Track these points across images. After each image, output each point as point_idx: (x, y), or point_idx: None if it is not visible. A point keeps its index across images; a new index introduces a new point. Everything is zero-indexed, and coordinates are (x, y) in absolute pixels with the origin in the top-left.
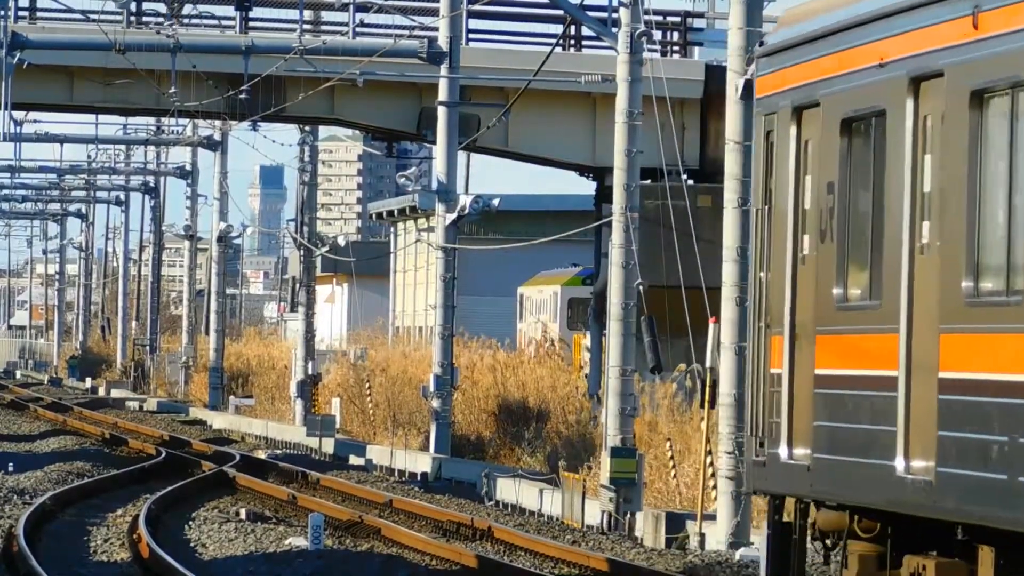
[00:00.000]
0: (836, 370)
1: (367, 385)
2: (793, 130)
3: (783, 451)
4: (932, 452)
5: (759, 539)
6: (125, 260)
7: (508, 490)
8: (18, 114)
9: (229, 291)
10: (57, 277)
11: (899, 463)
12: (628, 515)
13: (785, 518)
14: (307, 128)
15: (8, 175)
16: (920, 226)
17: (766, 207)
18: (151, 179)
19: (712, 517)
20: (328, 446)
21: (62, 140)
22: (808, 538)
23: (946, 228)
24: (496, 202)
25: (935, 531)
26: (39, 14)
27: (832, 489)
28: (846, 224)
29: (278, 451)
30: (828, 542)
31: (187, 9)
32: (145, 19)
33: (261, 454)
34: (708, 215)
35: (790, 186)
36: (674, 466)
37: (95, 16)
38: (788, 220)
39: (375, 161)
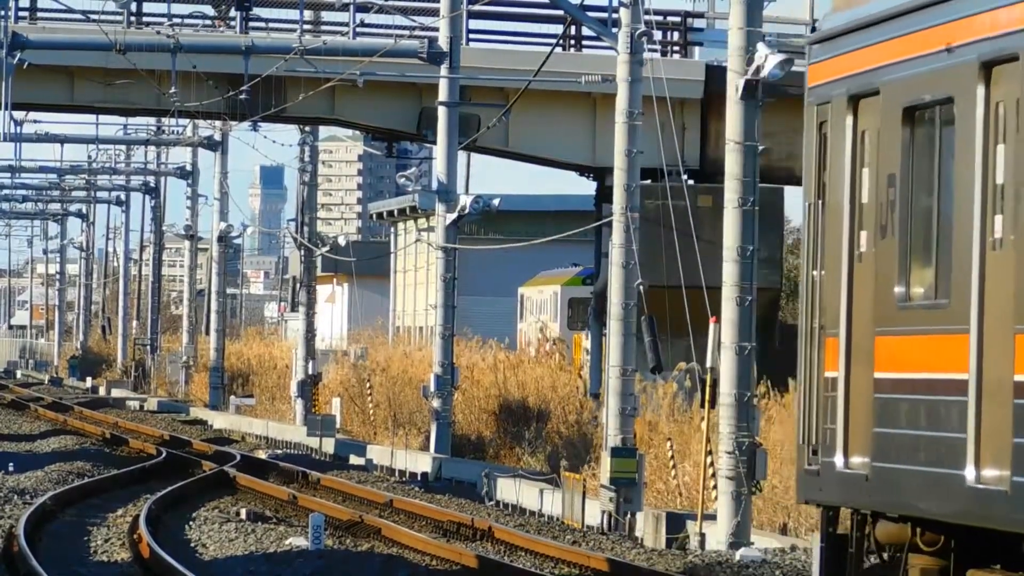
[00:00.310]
0: (898, 374)
1: (367, 385)
2: (849, 120)
3: (839, 460)
4: (1007, 460)
5: (759, 539)
6: (126, 260)
7: (508, 490)
8: (18, 114)
9: (229, 291)
10: (58, 277)
11: (969, 472)
12: (628, 515)
13: (839, 530)
14: (307, 128)
15: (8, 175)
16: (992, 220)
17: (819, 202)
18: (151, 179)
19: (712, 517)
20: (328, 446)
21: (62, 140)
22: (863, 551)
23: (1021, 222)
24: (496, 202)
25: (1002, 544)
26: (39, 14)
27: (894, 500)
28: (909, 219)
29: (278, 451)
30: (885, 555)
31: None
32: (145, 19)
33: (261, 454)
34: (708, 215)
35: (846, 179)
36: (674, 466)
37: (95, 16)
38: (844, 215)
39: (375, 161)
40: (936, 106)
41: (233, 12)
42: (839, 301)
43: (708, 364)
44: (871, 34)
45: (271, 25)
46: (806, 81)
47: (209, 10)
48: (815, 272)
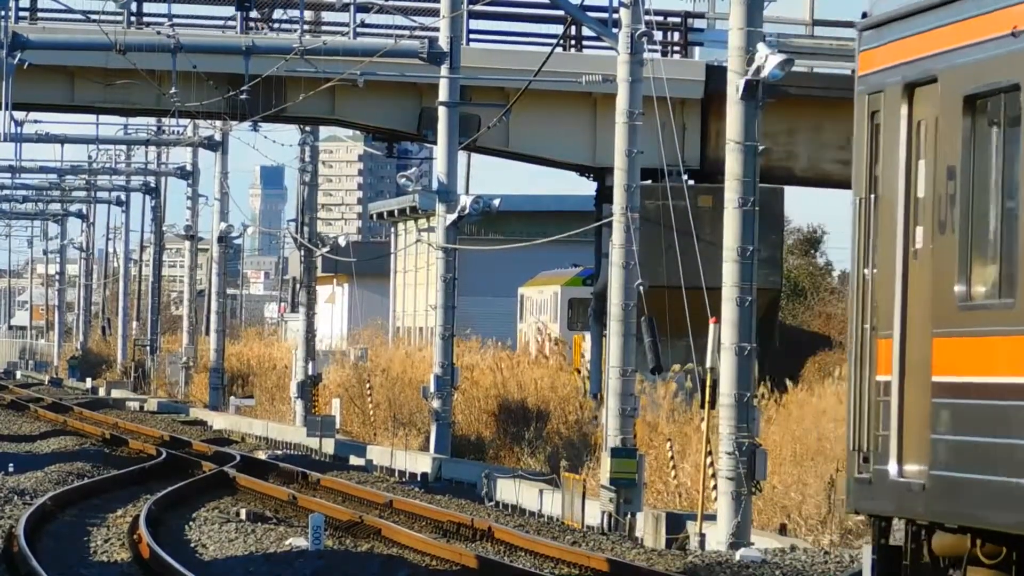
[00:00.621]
0: (958, 377)
1: (367, 385)
2: (904, 110)
3: (892, 467)
4: None
5: (759, 540)
6: (126, 260)
7: (508, 491)
8: (18, 114)
9: (229, 291)
10: (57, 277)
11: None
12: (628, 515)
13: (891, 541)
14: (307, 128)
15: (9, 175)
16: None
17: (871, 196)
18: (152, 179)
19: (712, 517)
20: (328, 446)
21: (63, 140)
22: (918, 563)
23: None
24: (496, 202)
25: None
26: (39, 14)
27: (953, 510)
28: (970, 213)
29: (278, 451)
30: (942, 568)
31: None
32: (145, 19)
33: (261, 454)
34: (708, 215)
35: (900, 172)
36: (674, 466)
37: (95, 16)
38: (898, 210)
39: (375, 161)
40: (1000, 94)
41: (239, 14)
42: (893, 301)
43: (708, 364)
44: (928, 19)
45: (269, 25)
46: (856, 69)
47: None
48: (866, 270)
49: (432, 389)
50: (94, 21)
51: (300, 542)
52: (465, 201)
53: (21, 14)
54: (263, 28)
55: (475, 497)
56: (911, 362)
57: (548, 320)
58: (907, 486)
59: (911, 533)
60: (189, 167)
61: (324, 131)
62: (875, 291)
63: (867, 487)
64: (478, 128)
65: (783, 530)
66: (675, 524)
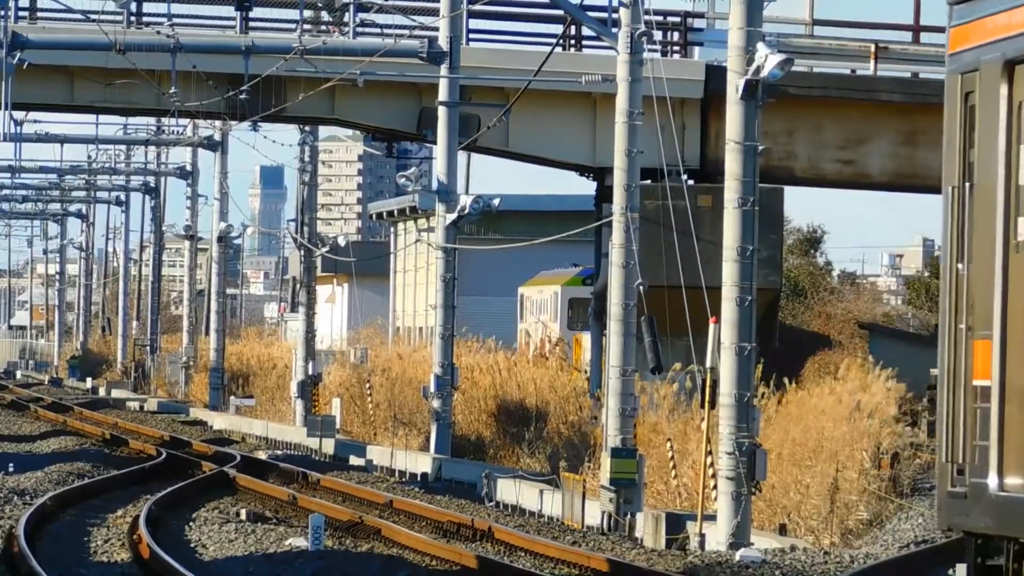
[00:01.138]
0: None
1: (367, 385)
2: (1004, 90)
3: (992, 480)
4: None
5: (759, 540)
6: (125, 260)
7: (508, 491)
8: (18, 114)
9: (229, 291)
10: (57, 277)
11: None
12: (628, 516)
13: (991, 561)
14: (307, 128)
15: (8, 175)
16: None
17: (966, 185)
18: (151, 179)
19: (712, 518)
20: (328, 447)
21: (62, 140)
22: None
23: None
24: (496, 202)
25: None
26: (39, 14)
27: None
28: None
29: (278, 451)
30: None
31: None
32: (145, 19)
33: (261, 455)
34: (708, 215)
35: (999, 158)
36: (674, 466)
37: (95, 16)
38: (998, 200)
39: (375, 161)
40: None
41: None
42: (992, 298)
43: (708, 364)
44: None
45: (271, 25)
46: (947, 47)
47: (324, 15)
48: (959, 265)
49: (432, 389)
50: (94, 21)
51: (300, 542)
52: (465, 201)
53: (21, 14)
54: (333, 31)
55: (475, 497)
56: (1013, 365)
57: (548, 320)
58: (1009, 501)
59: (1013, 552)
60: (189, 167)
61: (324, 131)
62: (971, 288)
63: (962, 502)
64: (478, 128)
65: (783, 530)
66: (675, 524)
